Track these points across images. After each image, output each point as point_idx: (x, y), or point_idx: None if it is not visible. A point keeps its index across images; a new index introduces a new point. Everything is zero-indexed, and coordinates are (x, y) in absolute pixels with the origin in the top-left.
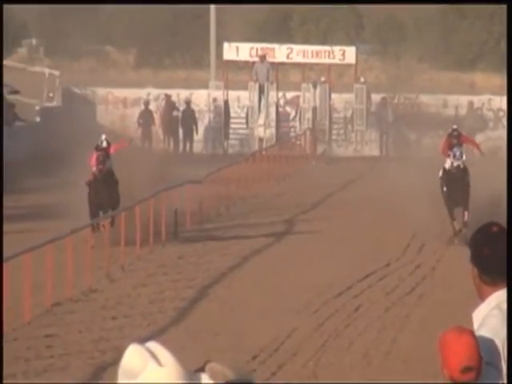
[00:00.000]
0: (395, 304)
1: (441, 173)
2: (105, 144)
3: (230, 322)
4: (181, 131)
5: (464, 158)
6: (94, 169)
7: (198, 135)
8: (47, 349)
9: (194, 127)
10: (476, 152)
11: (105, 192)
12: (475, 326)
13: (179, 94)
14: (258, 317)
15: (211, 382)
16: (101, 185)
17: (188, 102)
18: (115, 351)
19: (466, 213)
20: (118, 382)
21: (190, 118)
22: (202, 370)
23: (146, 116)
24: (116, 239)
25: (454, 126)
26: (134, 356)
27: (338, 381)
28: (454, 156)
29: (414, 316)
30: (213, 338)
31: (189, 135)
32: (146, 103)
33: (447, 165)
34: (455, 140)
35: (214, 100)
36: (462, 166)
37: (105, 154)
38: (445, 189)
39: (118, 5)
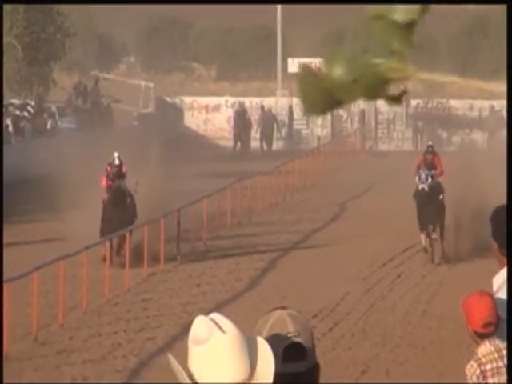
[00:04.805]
0: (430, 272)
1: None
2: (117, 162)
3: (295, 288)
4: (259, 133)
5: (430, 180)
6: (105, 186)
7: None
8: (144, 311)
9: (276, 128)
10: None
11: (117, 211)
12: (494, 289)
13: (251, 101)
14: (317, 283)
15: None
16: (113, 204)
17: (270, 108)
18: (200, 312)
19: (435, 232)
20: (189, 348)
21: (271, 121)
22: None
23: (237, 121)
24: (200, 224)
25: (430, 143)
26: (201, 326)
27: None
28: (420, 178)
29: (446, 282)
30: (280, 301)
31: (268, 136)
32: (238, 112)
33: (418, 186)
34: (430, 156)
35: (281, 106)
36: (426, 189)
37: (115, 172)
38: (415, 204)
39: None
